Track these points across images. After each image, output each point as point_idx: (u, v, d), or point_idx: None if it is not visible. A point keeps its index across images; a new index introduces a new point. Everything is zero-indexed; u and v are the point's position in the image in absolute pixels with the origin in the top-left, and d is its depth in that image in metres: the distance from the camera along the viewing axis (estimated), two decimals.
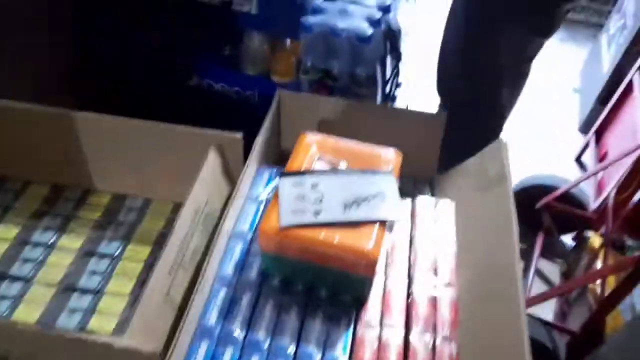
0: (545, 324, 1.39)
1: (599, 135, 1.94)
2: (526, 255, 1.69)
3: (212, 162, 0.80)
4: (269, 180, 0.84)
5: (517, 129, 2.22)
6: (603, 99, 2.04)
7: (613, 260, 1.40)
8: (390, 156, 0.76)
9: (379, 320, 0.70)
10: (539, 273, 1.72)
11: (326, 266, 0.68)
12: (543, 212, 1.66)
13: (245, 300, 0.71)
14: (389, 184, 0.70)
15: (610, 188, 1.55)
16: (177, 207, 0.95)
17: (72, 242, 0.93)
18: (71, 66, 1.49)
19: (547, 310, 1.49)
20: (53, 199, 1.01)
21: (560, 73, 2.52)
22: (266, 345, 0.67)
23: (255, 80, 1.38)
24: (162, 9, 1.34)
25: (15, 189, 1.02)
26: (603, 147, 1.88)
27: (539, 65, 2.58)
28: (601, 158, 1.86)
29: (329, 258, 0.67)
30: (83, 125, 0.90)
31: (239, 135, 0.83)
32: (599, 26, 2.67)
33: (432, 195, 0.96)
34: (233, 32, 1.34)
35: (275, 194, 0.69)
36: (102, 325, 0.82)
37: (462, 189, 0.89)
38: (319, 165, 0.74)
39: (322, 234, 0.65)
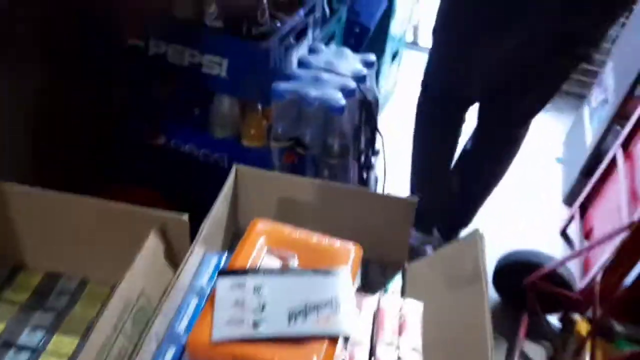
0: None
1: (584, 209, 1.89)
2: (510, 335, 1.59)
3: (152, 247, 0.70)
4: (217, 268, 0.74)
5: (500, 197, 2.17)
6: (586, 171, 2.00)
7: (601, 350, 1.31)
8: (348, 252, 0.67)
9: None
10: (524, 355, 1.61)
11: None
12: (528, 291, 1.57)
13: None
14: (344, 288, 0.60)
15: (596, 269, 1.48)
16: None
17: None
18: None
19: None
20: None
21: (543, 142, 2.51)
22: None
23: (224, 143, 1.31)
24: (130, 67, 1.28)
25: None
26: (588, 222, 1.83)
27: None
28: (587, 233, 1.80)
29: None
30: (16, 198, 0.80)
31: (184, 217, 0.74)
32: (581, 97, 2.69)
33: (403, 283, 0.87)
34: (203, 94, 1.28)
35: (211, 296, 0.59)
36: None
37: (434, 284, 0.80)
38: (267, 261, 0.64)
39: (259, 352, 0.54)
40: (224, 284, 0.59)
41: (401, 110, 2.59)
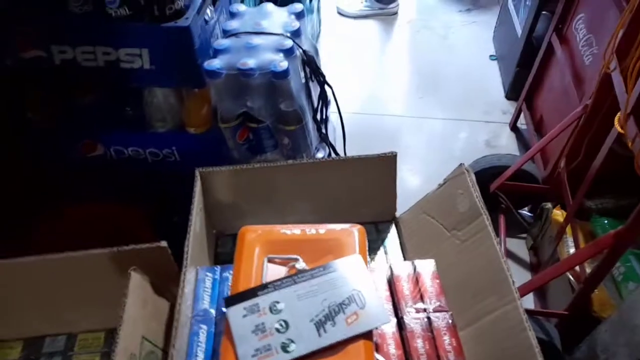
0: (532, 313, 1.35)
1: (529, 100, 1.93)
2: None
3: (137, 287, 0.64)
4: (215, 287, 0.69)
5: (449, 105, 2.19)
6: (523, 63, 2.03)
7: (582, 232, 1.38)
8: (351, 235, 0.63)
9: None
10: (509, 253, 1.69)
11: None
12: (498, 194, 1.62)
13: None
14: (362, 277, 0.57)
15: (557, 157, 1.53)
16: (111, 335, 0.78)
17: None
18: None
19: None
20: None
21: (473, 43, 2.51)
22: None
23: (169, 136, 1.21)
24: (39, 81, 1.13)
25: None
26: (536, 112, 1.87)
27: (452, 38, 2.57)
28: (536, 124, 1.85)
29: None
30: None
31: (163, 244, 0.68)
32: None
33: (400, 236, 0.86)
34: (130, 92, 1.16)
35: (226, 330, 0.55)
36: None
37: (433, 230, 0.78)
38: (271, 272, 0.60)
39: None
40: (236, 313, 0.54)
41: (330, 41, 2.52)
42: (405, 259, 0.81)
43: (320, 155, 1.27)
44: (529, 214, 1.75)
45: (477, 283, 0.68)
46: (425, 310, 0.65)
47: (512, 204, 1.65)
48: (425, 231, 0.82)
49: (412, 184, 1.86)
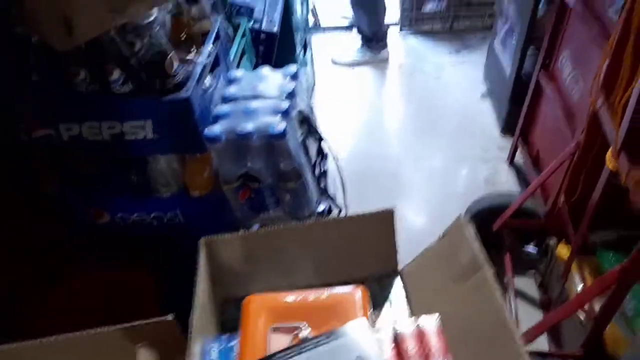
0: (546, 355, 1.33)
1: (524, 135, 1.96)
2: (498, 276, 1.65)
3: None
4: (222, 356, 0.69)
5: (447, 144, 2.23)
6: (514, 100, 2.08)
7: (588, 268, 1.38)
8: (353, 298, 0.65)
9: None
10: (517, 291, 1.68)
11: None
12: (502, 233, 1.63)
13: None
14: (367, 341, 0.58)
15: (556, 193, 1.55)
16: None
17: None
18: None
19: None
20: None
21: (464, 83, 2.58)
22: None
23: (173, 200, 1.24)
24: (45, 157, 1.18)
25: None
26: (533, 147, 1.90)
27: (444, 78, 2.64)
28: (534, 158, 1.88)
29: None
30: None
31: (169, 317, 0.69)
32: (486, 29, 2.78)
33: (405, 290, 0.87)
34: (134, 159, 1.20)
35: None
36: None
37: (436, 284, 0.80)
38: (275, 342, 0.61)
39: None
40: None
41: (326, 90, 2.59)
42: (411, 311, 0.82)
43: (322, 207, 1.30)
44: (536, 248, 1.75)
45: (481, 336, 0.68)
46: None
47: (517, 240, 1.65)
48: (430, 283, 0.83)
49: (416, 224, 1.88)
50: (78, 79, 1.02)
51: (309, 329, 0.63)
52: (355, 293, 0.66)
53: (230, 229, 0.86)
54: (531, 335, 1.27)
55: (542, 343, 1.49)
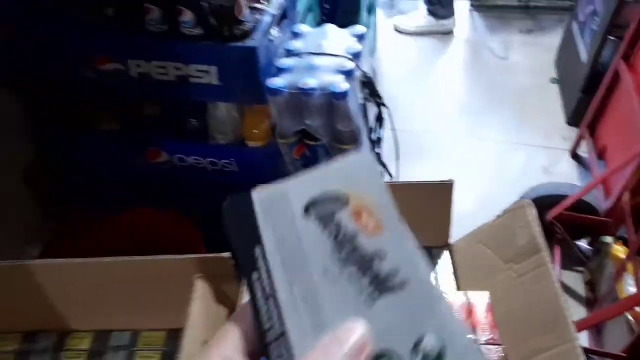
0: (587, 352, 1.29)
1: (592, 127, 1.86)
2: None
3: (201, 296, 0.67)
4: None
5: (507, 127, 2.14)
6: (587, 89, 1.96)
7: None
8: None
9: None
10: (563, 286, 1.63)
11: None
12: (555, 224, 1.57)
13: None
14: None
15: (620, 190, 1.47)
16: (171, 335, 0.82)
17: None
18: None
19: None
20: (25, 352, 0.87)
21: (534, 64, 2.46)
22: None
23: (229, 148, 1.26)
24: (114, 90, 1.21)
25: None
26: (600, 141, 1.80)
27: (512, 59, 2.52)
28: (600, 152, 1.78)
29: None
30: (58, 271, 0.77)
31: (226, 255, 0.71)
32: (564, 10, 2.62)
33: (454, 264, 0.85)
34: (195, 104, 1.22)
35: None
36: None
37: (487, 261, 0.77)
38: None
39: None
40: None
41: (387, 58, 2.53)
42: (458, 287, 0.80)
43: None
44: (587, 246, 1.68)
45: (532, 319, 0.66)
46: (476, 342, 0.64)
47: (569, 235, 1.59)
48: (480, 261, 0.81)
49: (464, 207, 1.81)
50: (150, 17, 1.03)
51: None
52: None
53: None
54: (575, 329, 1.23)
55: (583, 340, 1.45)
